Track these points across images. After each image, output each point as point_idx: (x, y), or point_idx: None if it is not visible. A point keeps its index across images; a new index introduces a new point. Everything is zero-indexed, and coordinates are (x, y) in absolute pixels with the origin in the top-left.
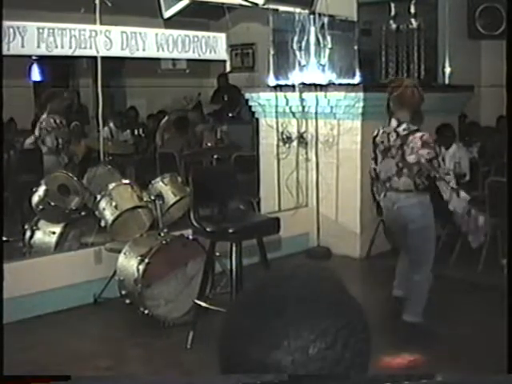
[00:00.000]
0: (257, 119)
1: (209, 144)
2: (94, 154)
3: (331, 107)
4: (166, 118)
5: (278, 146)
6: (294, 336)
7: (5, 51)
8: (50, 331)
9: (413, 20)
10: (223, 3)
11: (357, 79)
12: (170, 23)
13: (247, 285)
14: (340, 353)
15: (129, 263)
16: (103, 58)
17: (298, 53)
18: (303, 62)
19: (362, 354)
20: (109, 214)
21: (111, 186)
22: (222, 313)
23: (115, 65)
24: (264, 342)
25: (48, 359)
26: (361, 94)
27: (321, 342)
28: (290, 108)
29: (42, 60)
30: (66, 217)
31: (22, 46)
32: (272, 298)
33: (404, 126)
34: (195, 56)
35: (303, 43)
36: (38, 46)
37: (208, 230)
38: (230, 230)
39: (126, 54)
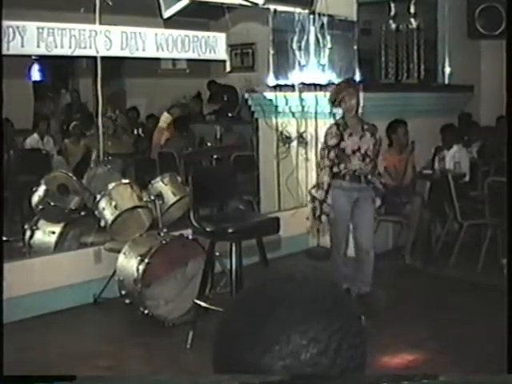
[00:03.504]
0: (256, 119)
1: (209, 144)
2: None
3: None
4: (166, 114)
5: (277, 145)
6: (285, 341)
7: (5, 51)
8: (50, 331)
9: (412, 20)
10: (223, 3)
11: (357, 79)
12: (169, 23)
13: (244, 285)
14: (332, 359)
15: (128, 263)
16: (103, 57)
17: (297, 53)
18: (303, 62)
19: (355, 359)
20: (108, 214)
21: (111, 185)
22: (219, 314)
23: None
24: (256, 346)
25: (48, 359)
26: (360, 94)
27: (313, 347)
28: (290, 108)
29: (41, 60)
30: (66, 217)
31: (22, 46)
32: (266, 301)
33: None
34: (195, 56)
35: (303, 43)
36: (38, 46)
37: (208, 229)
38: (230, 230)
39: (126, 54)
